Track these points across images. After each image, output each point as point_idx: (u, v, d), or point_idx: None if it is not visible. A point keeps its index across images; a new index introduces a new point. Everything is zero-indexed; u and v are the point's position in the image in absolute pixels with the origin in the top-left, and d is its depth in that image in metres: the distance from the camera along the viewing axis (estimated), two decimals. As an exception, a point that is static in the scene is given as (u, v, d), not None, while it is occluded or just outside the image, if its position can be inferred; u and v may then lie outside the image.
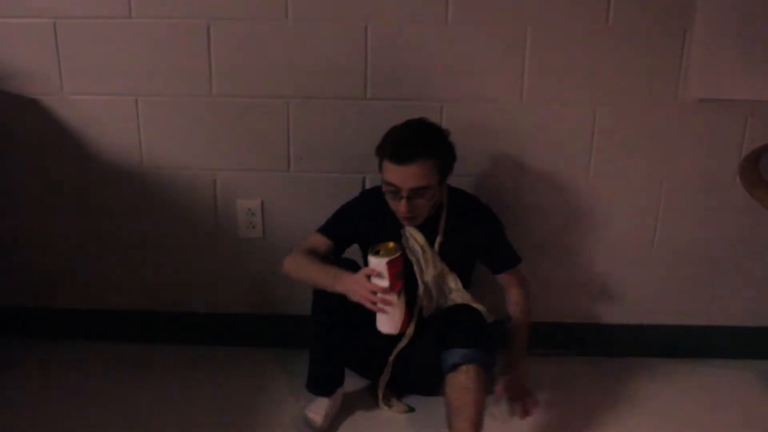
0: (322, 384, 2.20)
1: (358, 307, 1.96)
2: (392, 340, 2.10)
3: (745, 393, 2.39)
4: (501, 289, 2.26)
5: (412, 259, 2.11)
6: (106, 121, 2.38)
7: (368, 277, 1.93)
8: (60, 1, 2.26)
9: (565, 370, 2.50)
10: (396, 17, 2.24)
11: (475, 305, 2.09)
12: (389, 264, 1.87)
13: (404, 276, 1.94)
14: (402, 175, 1.99)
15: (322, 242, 2.17)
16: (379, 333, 1.99)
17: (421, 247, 2.12)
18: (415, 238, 2.12)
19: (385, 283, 1.89)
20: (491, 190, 2.37)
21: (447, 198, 2.16)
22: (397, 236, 2.10)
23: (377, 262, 1.88)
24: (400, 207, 2.03)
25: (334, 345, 2.15)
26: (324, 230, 2.20)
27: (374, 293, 1.91)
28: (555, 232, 2.45)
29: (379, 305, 1.92)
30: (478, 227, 2.19)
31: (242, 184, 2.42)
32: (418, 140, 2.02)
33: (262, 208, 2.44)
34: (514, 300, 2.22)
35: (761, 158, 2.11)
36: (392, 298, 1.90)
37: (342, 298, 2.00)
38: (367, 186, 2.38)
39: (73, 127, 2.38)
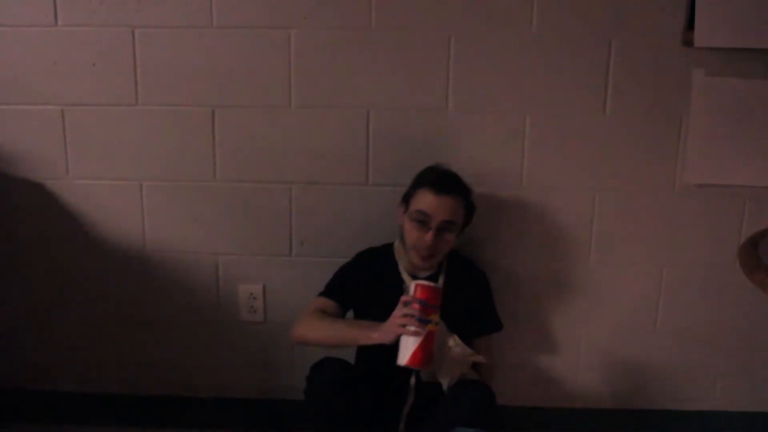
0: None
1: (359, 384, 1.97)
2: (399, 406, 2.09)
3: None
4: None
5: None
6: (111, 205, 2.40)
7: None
8: (68, 88, 2.31)
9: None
10: (397, 104, 2.28)
11: (474, 358, 2.09)
12: (418, 286, 1.88)
13: (432, 312, 1.87)
14: (438, 205, 2.06)
15: (327, 305, 2.15)
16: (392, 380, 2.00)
17: None
18: None
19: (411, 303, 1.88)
20: (492, 275, 2.37)
21: (446, 258, 2.19)
22: (399, 292, 2.06)
23: (412, 283, 1.92)
24: (425, 237, 2.06)
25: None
26: (327, 293, 2.19)
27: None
28: (555, 317, 2.44)
29: (408, 327, 1.85)
30: (473, 288, 2.25)
31: (244, 268, 2.43)
32: (458, 179, 2.15)
33: (263, 292, 2.44)
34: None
35: (760, 243, 2.11)
36: (413, 314, 1.85)
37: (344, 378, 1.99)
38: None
39: (77, 211, 2.40)
